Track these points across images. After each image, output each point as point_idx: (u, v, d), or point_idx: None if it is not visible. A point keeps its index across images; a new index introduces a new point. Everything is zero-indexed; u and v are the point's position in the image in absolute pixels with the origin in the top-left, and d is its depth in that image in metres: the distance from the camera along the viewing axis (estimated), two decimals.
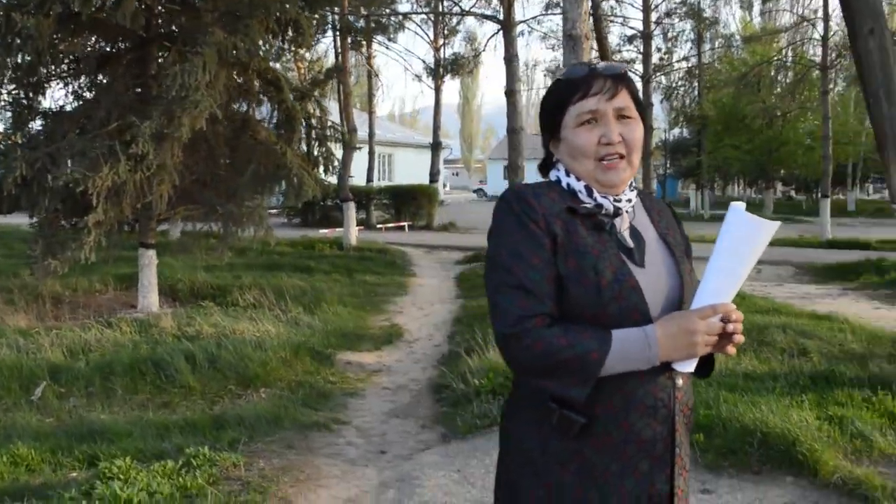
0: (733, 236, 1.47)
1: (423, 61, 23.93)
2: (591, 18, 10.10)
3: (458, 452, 4.36)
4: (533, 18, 21.97)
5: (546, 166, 1.66)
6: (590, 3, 8.99)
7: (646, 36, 22.68)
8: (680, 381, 1.53)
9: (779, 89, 30.17)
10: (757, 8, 32.88)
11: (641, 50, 22.94)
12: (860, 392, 5.01)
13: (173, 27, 9.28)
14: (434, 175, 23.36)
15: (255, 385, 5.83)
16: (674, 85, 28.80)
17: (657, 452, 1.50)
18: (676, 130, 41.69)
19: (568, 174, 1.57)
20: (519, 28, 18.47)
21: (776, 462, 3.96)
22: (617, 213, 1.54)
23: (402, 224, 22.68)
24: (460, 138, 72.86)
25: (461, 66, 22.19)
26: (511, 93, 15.57)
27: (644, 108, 1.62)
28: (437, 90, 22.91)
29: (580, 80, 1.53)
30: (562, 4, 7.46)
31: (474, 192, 56.74)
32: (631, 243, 1.54)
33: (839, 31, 18.41)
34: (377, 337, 7.88)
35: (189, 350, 6.15)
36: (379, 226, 22.02)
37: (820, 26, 19.77)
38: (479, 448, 4.37)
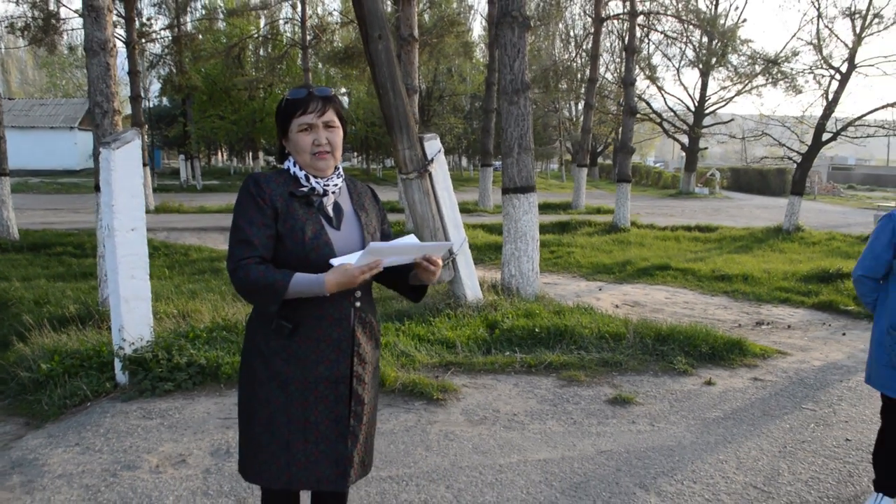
0: None
1: None
2: None
3: (65, 430, 4.30)
4: None
5: (281, 155, 2.33)
6: None
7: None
8: (359, 303, 2.27)
9: (261, 64, 31.93)
10: None
11: (123, 14, 22.03)
12: (392, 324, 6.34)
13: None
14: None
15: None
16: (161, 53, 28.24)
17: (341, 348, 2.24)
18: (157, 100, 41.06)
19: (295, 164, 2.26)
20: None
21: None
22: (325, 193, 2.25)
23: None
24: None
25: None
26: None
27: (345, 120, 2.34)
28: None
29: (301, 100, 2.20)
30: None
31: None
32: (332, 214, 2.27)
33: (314, 16, 20.50)
34: None
35: None
36: None
37: (299, 9, 21.67)
38: (86, 422, 4.39)
